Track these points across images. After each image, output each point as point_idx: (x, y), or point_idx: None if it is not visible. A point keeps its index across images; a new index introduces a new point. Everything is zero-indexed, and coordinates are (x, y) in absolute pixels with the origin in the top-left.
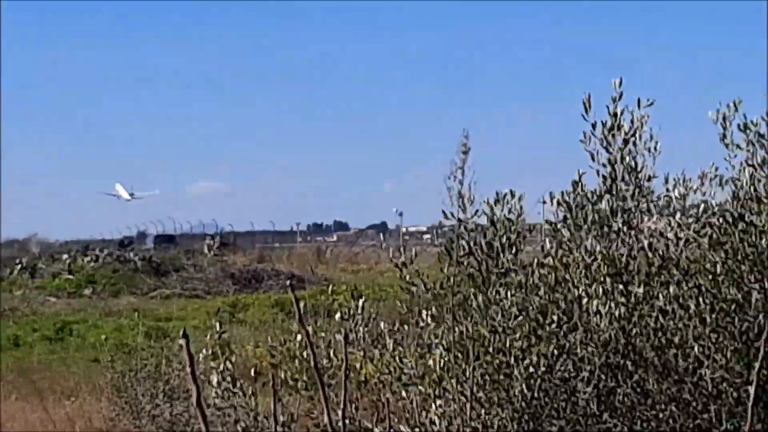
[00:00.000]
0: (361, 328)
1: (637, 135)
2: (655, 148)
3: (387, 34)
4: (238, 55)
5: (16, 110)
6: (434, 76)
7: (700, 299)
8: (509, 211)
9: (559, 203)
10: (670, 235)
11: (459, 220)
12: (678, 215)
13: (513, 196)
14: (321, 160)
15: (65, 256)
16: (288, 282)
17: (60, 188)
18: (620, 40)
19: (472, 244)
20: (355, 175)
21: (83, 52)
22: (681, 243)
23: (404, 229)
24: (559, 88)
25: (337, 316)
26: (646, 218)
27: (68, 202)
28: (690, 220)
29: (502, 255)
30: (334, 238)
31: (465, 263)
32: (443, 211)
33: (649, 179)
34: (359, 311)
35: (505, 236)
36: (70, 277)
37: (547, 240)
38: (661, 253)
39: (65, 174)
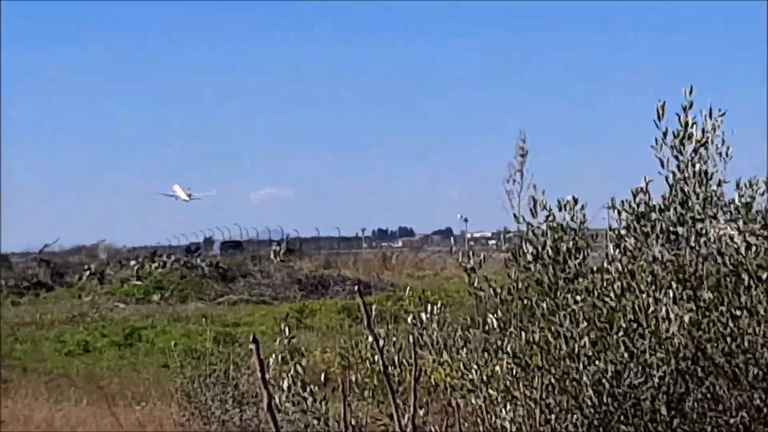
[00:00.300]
0: (433, 333)
1: (709, 141)
2: (727, 154)
3: (455, 34)
4: (307, 60)
5: (77, 113)
6: (497, 79)
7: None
8: (572, 218)
9: (624, 211)
10: (738, 240)
11: (528, 224)
12: (741, 221)
13: (576, 202)
14: (386, 166)
15: (133, 262)
16: (356, 287)
17: (127, 193)
18: (688, 43)
19: (540, 248)
20: (419, 181)
21: (151, 54)
22: (752, 249)
23: (469, 235)
24: (621, 94)
25: (409, 319)
26: (714, 224)
27: (135, 209)
28: (757, 225)
29: (569, 260)
30: (400, 243)
31: (532, 269)
32: (514, 215)
33: (719, 184)
34: (430, 316)
35: (571, 241)
36: (139, 283)
37: (611, 246)
38: (730, 259)
39: (132, 179)
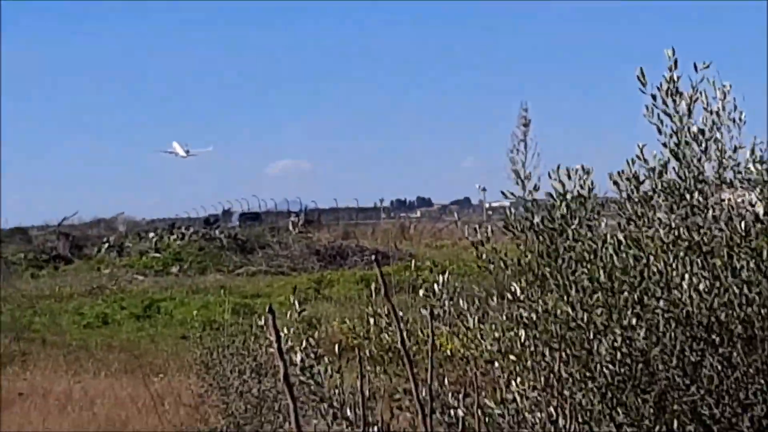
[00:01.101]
0: (446, 303)
1: (701, 97)
2: (740, 119)
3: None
4: (323, 32)
5: (99, 89)
6: (507, 51)
7: None
8: (581, 186)
9: (621, 179)
10: (760, 206)
11: (517, 196)
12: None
13: (585, 171)
14: (404, 136)
15: (152, 235)
16: (373, 257)
17: (146, 166)
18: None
19: (538, 219)
20: (437, 151)
21: (164, 34)
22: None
23: (488, 205)
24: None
25: (421, 291)
26: (725, 188)
27: (153, 181)
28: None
29: (568, 228)
30: (418, 214)
31: (536, 239)
32: (502, 192)
33: (735, 150)
34: (443, 286)
35: (567, 208)
36: (157, 255)
37: (617, 213)
38: (741, 224)
39: (150, 155)
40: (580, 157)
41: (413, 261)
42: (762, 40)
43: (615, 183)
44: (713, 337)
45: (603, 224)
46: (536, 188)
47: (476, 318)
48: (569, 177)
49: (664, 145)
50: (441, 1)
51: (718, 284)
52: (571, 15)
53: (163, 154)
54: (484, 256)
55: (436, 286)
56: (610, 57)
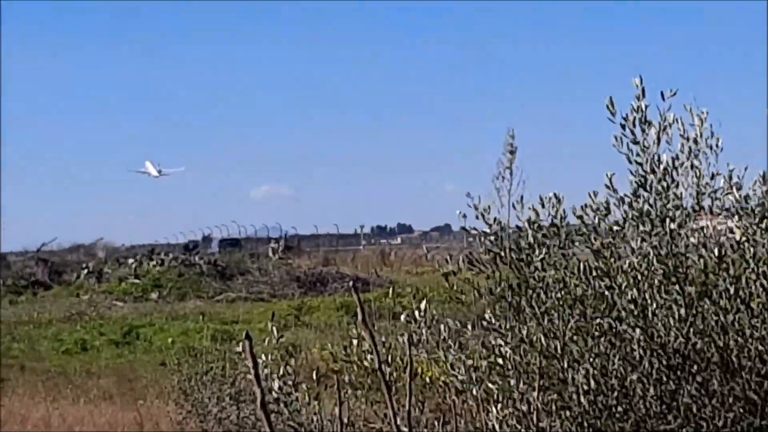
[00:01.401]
0: (424, 330)
1: (668, 131)
2: (717, 145)
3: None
4: (305, 58)
5: (75, 111)
6: (487, 76)
7: (763, 295)
8: (554, 215)
9: (584, 211)
10: (736, 231)
11: (475, 229)
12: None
13: (558, 200)
14: (383, 164)
15: (131, 261)
16: (351, 284)
17: (125, 192)
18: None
19: (503, 251)
20: (416, 177)
21: (152, 51)
22: (741, 240)
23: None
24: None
25: (402, 317)
26: (701, 217)
27: (133, 207)
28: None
29: (535, 258)
30: (398, 240)
31: (505, 270)
32: (463, 228)
33: (712, 177)
34: (423, 313)
35: (533, 238)
36: (137, 281)
37: (579, 245)
38: (716, 251)
39: (131, 178)
40: (567, 184)
41: (392, 288)
42: (739, 66)
43: (579, 216)
44: (690, 364)
45: (576, 252)
46: (498, 222)
47: (455, 345)
48: (543, 205)
49: (633, 174)
50: (425, 26)
51: (693, 312)
52: (551, 35)
53: (136, 174)
54: (455, 287)
55: (416, 312)
56: (592, 80)
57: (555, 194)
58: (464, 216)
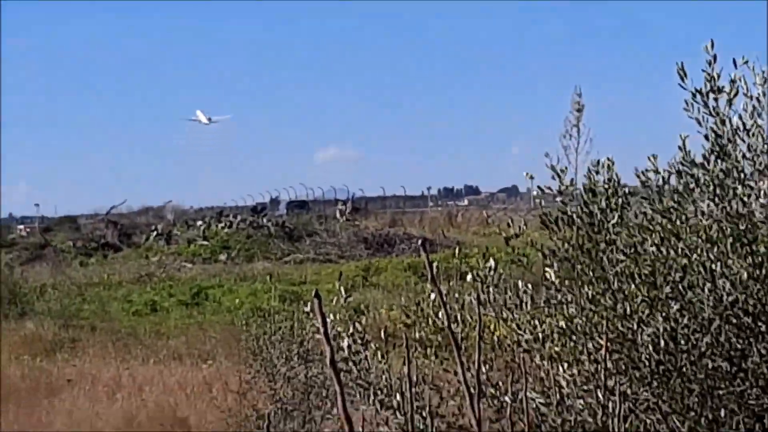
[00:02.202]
0: (492, 290)
1: (740, 92)
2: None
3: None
4: (368, 20)
5: (141, 76)
6: (554, 37)
7: None
8: (609, 179)
9: (654, 171)
10: None
11: (557, 191)
12: None
13: (612, 163)
14: (450, 123)
15: (200, 223)
16: (420, 243)
17: (194, 154)
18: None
19: (575, 212)
20: (484, 138)
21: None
22: None
23: (535, 192)
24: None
25: (468, 277)
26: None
27: (200, 170)
28: None
29: (606, 222)
30: (465, 201)
31: (575, 233)
32: (538, 187)
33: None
34: (490, 273)
35: (605, 202)
36: (205, 243)
37: (645, 206)
38: None
39: (198, 141)
40: (633, 144)
41: (459, 248)
42: None
43: (639, 177)
44: (759, 326)
45: (630, 214)
46: (572, 182)
47: (522, 305)
48: (597, 172)
49: (706, 137)
50: None
51: (762, 273)
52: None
53: (187, 121)
54: (517, 250)
55: (483, 272)
56: (663, 43)
57: (608, 158)
58: (531, 177)
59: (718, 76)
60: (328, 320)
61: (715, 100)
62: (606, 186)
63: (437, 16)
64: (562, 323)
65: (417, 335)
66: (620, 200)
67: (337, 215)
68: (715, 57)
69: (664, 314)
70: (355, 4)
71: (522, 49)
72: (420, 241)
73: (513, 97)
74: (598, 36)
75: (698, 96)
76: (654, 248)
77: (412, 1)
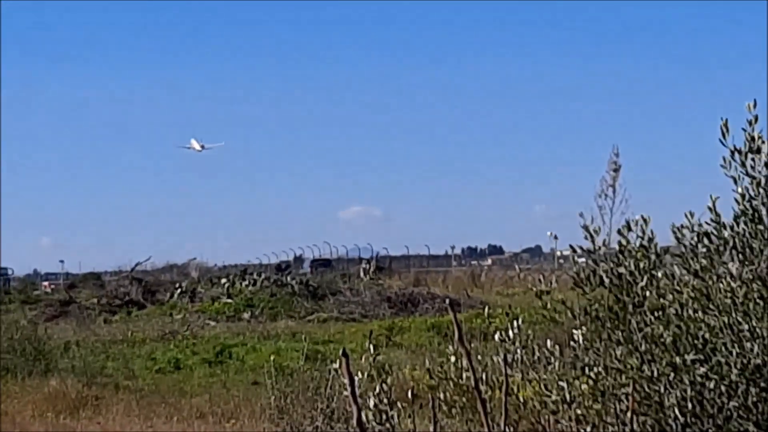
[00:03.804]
0: (519, 350)
1: None
2: None
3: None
4: (394, 76)
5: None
6: (585, 98)
7: None
8: (642, 238)
9: (689, 229)
10: None
11: (588, 251)
12: None
13: (646, 222)
14: (474, 183)
15: (224, 281)
16: (446, 301)
17: (219, 212)
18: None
19: (606, 273)
20: (508, 198)
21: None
22: None
23: (559, 253)
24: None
25: (496, 336)
26: None
27: (227, 228)
28: None
29: (634, 285)
30: (489, 261)
31: (605, 293)
32: (570, 246)
33: None
34: (517, 332)
35: (634, 264)
36: (229, 301)
37: (675, 267)
38: None
39: (224, 198)
40: (670, 204)
41: (485, 308)
42: None
43: (675, 236)
44: None
45: (662, 273)
46: (605, 243)
47: (549, 365)
48: (629, 229)
49: (742, 196)
50: (518, 45)
51: None
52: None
53: (181, 149)
54: (548, 306)
55: (509, 332)
56: (700, 101)
57: (642, 216)
58: (555, 237)
59: (759, 137)
60: (355, 378)
61: (753, 160)
62: (637, 247)
63: (461, 75)
64: (587, 384)
65: (442, 395)
66: (653, 259)
67: (361, 274)
68: (756, 117)
69: (690, 378)
70: (379, 62)
71: (545, 110)
72: (448, 301)
73: (536, 158)
74: (626, 94)
75: (736, 154)
76: (681, 309)
77: (436, 61)
